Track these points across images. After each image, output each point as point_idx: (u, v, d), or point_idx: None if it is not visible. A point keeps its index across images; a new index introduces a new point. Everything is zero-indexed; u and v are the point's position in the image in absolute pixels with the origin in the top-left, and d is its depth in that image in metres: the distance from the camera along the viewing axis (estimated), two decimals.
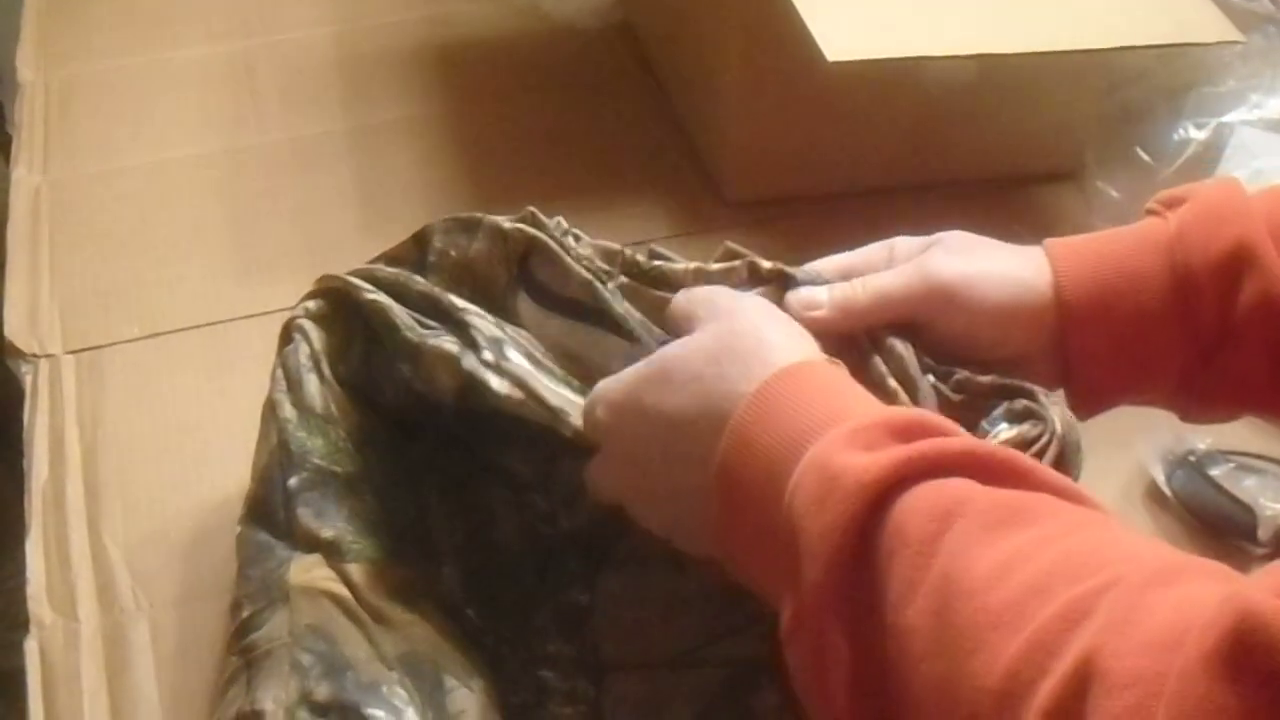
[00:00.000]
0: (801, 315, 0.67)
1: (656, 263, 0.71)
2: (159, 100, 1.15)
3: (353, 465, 0.70)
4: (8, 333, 0.92)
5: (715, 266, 0.70)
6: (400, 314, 0.69)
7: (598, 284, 0.68)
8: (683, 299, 0.66)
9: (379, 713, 0.62)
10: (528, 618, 0.69)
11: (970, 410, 0.64)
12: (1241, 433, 0.89)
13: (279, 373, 0.72)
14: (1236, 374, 0.66)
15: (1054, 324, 0.66)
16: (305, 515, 0.68)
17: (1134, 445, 0.88)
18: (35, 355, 0.91)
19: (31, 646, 0.75)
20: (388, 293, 0.71)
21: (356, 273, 0.73)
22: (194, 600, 0.77)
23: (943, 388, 0.65)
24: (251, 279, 0.98)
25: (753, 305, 0.65)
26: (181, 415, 0.88)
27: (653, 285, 0.70)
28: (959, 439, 0.54)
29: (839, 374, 0.60)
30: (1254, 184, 0.98)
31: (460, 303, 0.69)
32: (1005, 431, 0.62)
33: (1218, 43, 0.88)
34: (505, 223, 0.71)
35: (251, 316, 0.94)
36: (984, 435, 0.63)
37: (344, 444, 0.70)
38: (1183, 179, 1.00)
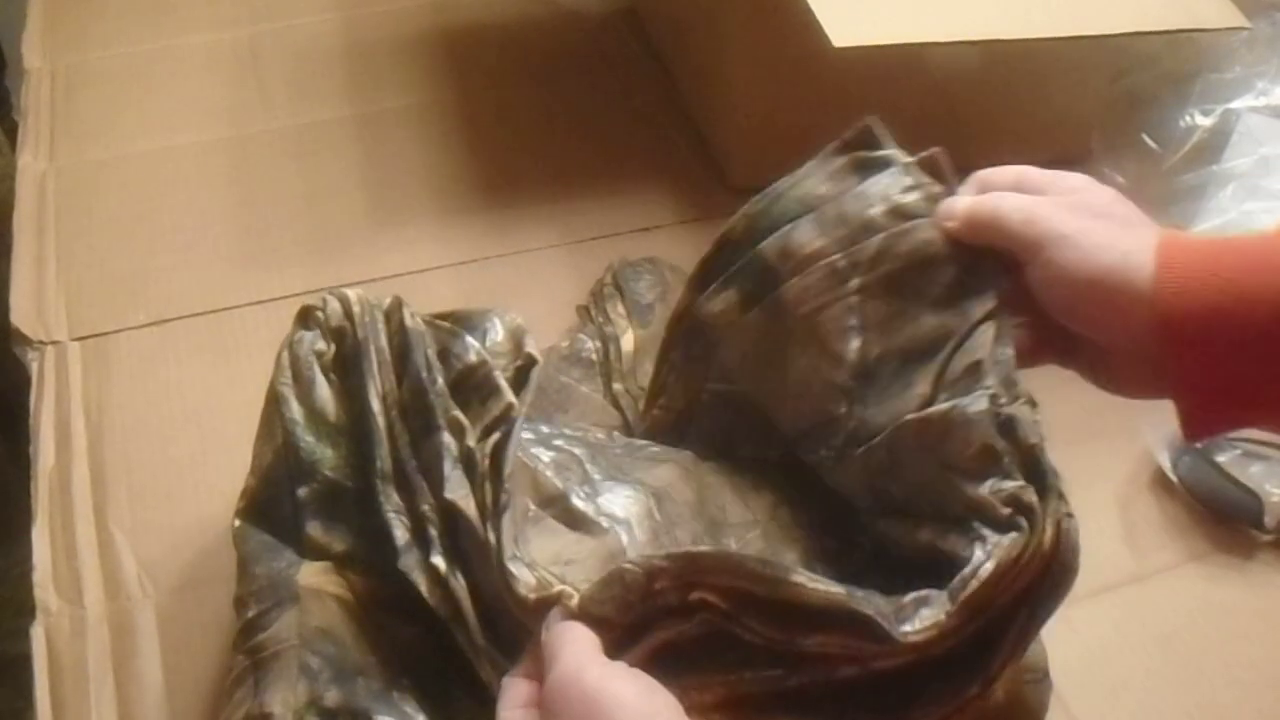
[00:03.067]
0: (939, 224, 0.65)
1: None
2: (165, 87, 1.15)
3: (364, 479, 0.68)
4: (14, 319, 0.92)
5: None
6: (384, 455, 0.66)
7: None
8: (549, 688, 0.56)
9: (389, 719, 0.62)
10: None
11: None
12: None
13: (284, 359, 0.70)
14: None
15: (1150, 341, 0.60)
16: (315, 528, 0.67)
17: (1140, 432, 0.88)
18: (41, 342, 0.91)
19: (38, 633, 0.75)
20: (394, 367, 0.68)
21: (374, 335, 0.70)
22: (200, 587, 0.77)
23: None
24: (258, 266, 0.98)
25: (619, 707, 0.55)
26: (187, 402, 0.88)
27: None
28: None
29: None
30: (1260, 171, 0.98)
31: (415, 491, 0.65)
32: (987, 566, 0.59)
33: (1224, 29, 0.88)
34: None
35: (258, 303, 0.94)
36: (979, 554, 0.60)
37: (355, 457, 0.68)
38: (1189, 165, 1.00)
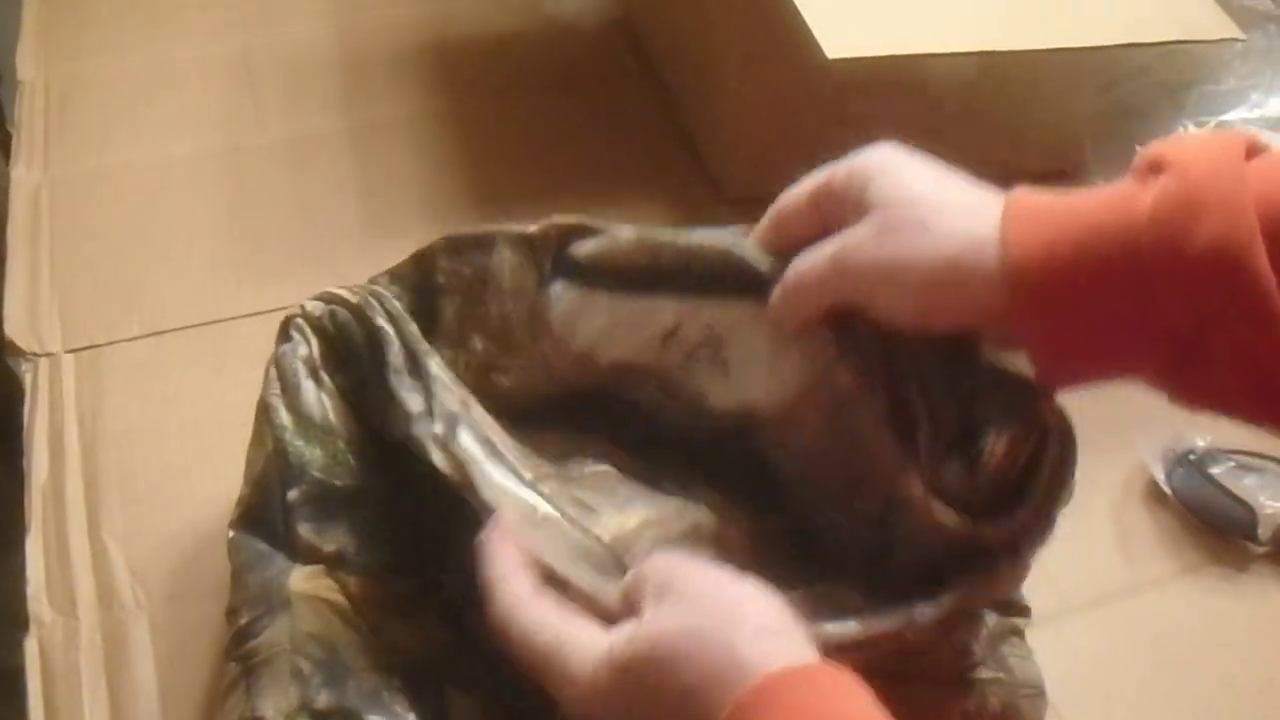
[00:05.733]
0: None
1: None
2: (159, 98, 1.15)
3: (353, 478, 0.69)
4: (8, 331, 0.92)
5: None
6: (395, 353, 0.68)
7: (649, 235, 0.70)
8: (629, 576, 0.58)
9: None
10: None
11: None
12: (1241, 431, 0.89)
13: (272, 373, 0.71)
14: (1207, 384, 0.57)
15: (1001, 305, 0.58)
16: (305, 530, 0.67)
17: (1133, 443, 0.88)
18: (35, 353, 0.91)
19: (31, 645, 0.75)
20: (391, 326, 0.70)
21: (371, 292, 0.71)
22: (194, 598, 0.77)
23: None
24: (252, 277, 0.98)
25: (714, 591, 0.55)
26: (182, 413, 0.88)
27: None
28: None
29: (818, 690, 0.51)
30: None
31: (435, 369, 0.67)
32: (998, 442, 0.63)
33: (1219, 41, 0.88)
34: (530, 227, 0.71)
35: (252, 315, 0.94)
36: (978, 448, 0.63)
37: (343, 456, 0.69)
38: None
